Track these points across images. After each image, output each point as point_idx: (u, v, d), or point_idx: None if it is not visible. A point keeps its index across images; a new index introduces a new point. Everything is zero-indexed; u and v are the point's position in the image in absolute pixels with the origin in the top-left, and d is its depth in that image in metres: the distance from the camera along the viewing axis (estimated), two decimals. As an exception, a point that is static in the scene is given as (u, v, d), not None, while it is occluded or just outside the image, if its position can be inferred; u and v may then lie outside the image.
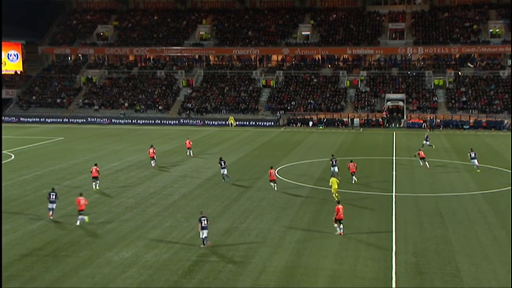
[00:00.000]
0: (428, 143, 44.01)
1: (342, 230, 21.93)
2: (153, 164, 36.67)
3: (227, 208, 26.30)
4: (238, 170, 35.84)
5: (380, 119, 63.87)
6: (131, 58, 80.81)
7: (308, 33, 77.43)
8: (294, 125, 64.51)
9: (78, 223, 23.55)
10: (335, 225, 22.11)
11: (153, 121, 65.82)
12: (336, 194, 27.26)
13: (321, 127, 62.75)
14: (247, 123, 64.37)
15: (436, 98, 66.60)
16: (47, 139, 50.86)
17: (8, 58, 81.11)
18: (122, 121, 66.37)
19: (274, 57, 78.00)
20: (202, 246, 20.58)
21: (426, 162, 36.35)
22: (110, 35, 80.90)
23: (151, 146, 38.13)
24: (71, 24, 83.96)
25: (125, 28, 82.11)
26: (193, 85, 73.63)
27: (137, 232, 22.56)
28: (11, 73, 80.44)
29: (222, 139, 52.26)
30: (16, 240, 21.40)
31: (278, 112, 66.43)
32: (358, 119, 64.40)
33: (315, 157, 41.09)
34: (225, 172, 32.06)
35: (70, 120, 67.34)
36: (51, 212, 24.43)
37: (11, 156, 41.24)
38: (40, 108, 71.21)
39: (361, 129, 60.25)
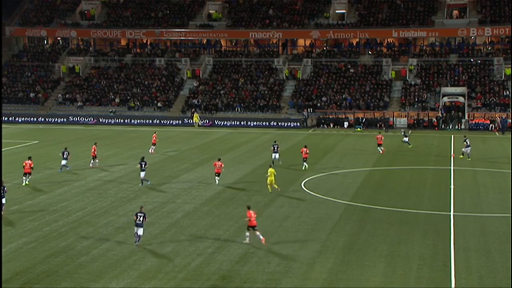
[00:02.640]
0: (407, 139, 49.92)
1: (261, 237, 24.03)
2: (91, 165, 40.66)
3: (242, 229, 26.33)
4: (256, 182, 35.94)
5: (434, 119, 63.54)
6: (123, 42, 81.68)
7: (344, 11, 77.46)
8: (325, 126, 64.54)
9: None
10: (247, 232, 24.34)
11: (150, 121, 66.38)
12: (273, 186, 32.72)
13: (359, 129, 62.67)
14: (267, 123, 64.58)
15: (507, 92, 65.99)
16: (17, 143, 51.58)
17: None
18: (112, 121, 67.03)
19: (300, 42, 78.19)
20: (135, 243, 23.92)
21: (381, 148, 45.78)
22: (96, 14, 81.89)
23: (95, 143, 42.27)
24: None
25: (115, 5, 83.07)
26: (200, 76, 74.16)
27: (130, 258, 22.77)
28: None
29: (236, 143, 52.48)
30: (-22, 269, 21.64)
31: (305, 110, 66.53)
32: (405, 119, 64.18)
33: (351, 166, 41.02)
34: (143, 175, 34.83)
35: (46, 119, 68.20)
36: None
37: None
38: (9, 105, 72.20)
39: (410, 131, 59.96)
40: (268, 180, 33.19)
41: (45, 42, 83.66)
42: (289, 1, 79.49)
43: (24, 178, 35.12)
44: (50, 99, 73.06)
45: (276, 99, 69.26)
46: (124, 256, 23.02)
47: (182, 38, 79.18)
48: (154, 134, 47.70)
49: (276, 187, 33.06)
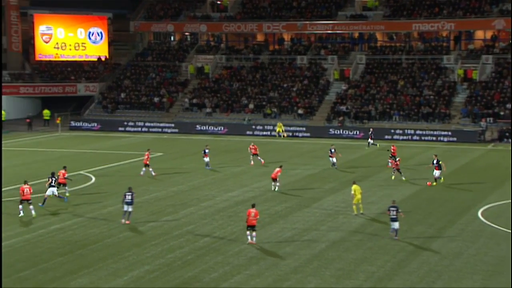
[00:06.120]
0: (372, 141, 57.52)
1: (254, 239, 28.31)
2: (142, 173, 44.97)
3: (400, 266, 26.08)
4: (418, 207, 35.36)
5: None
6: (259, 38, 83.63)
7: (541, -8, 73.98)
8: (510, 140, 61.91)
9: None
10: (247, 232, 28.44)
11: (290, 132, 67.02)
12: (360, 206, 33.88)
13: (556, 145, 59.37)
14: (433, 137, 63.09)
15: None
16: (139, 155, 54.10)
17: (89, 38, 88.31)
18: (246, 131, 68.48)
19: (478, 34, 75.93)
20: (394, 238, 29.26)
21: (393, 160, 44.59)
22: (230, 5, 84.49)
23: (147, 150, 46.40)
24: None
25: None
26: (350, 78, 74.15)
27: (265, 295, 23.25)
28: (92, 60, 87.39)
29: (394, 160, 51.80)
30: (96, 298, 23.13)
31: (483, 120, 64.36)
32: None
33: (545, 193, 39.02)
34: (129, 209, 32.67)
35: (171, 127, 70.93)
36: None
37: (91, 178, 44.77)
38: (132, 111, 76.19)
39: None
40: (354, 200, 33.94)
41: (172, 39, 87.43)
42: (465, -17, 77.47)
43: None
44: (176, 104, 76.08)
45: (445, 106, 67.56)
46: (258, 292, 23.53)
47: (329, 31, 79.59)
48: (252, 145, 50.24)
49: (360, 207, 34.09)
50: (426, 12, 76.00)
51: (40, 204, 35.48)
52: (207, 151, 47.44)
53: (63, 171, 38.78)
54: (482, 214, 34.12)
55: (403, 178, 42.98)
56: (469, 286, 23.91)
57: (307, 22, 78.92)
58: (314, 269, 25.78)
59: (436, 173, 41.96)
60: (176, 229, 31.76)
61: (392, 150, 48.05)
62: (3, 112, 72.91)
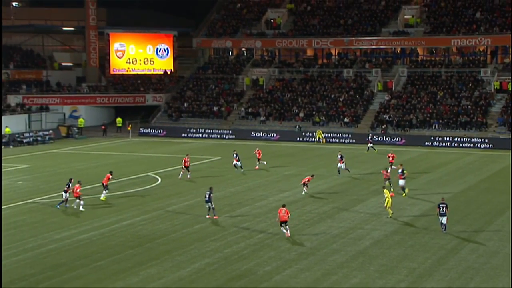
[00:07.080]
0: (371, 145, 57.03)
1: (288, 231, 29.26)
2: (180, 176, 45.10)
3: (440, 263, 25.75)
4: (457, 209, 34.76)
5: None
6: (309, 52, 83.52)
7: None
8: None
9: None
10: (282, 228, 29.34)
11: (337, 139, 66.69)
12: (389, 210, 32.92)
13: None
14: (470, 144, 62.00)
15: None
16: (201, 159, 54.73)
17: (157, 53, 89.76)
18: (297, 137, 68.44)
19: (513, 49, 74.23)
20: (443, 231, 29.76)
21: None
22: (282, 22, 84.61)
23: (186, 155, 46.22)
24: (234, 9, 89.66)
25: (302, 13, 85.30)
26: (393, 89, 73.39)
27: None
28: (159, 73, 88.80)
29: (433, 164, 51.16)
30: (161, 289, 23.38)
31: (518, 129, 62.98)
32: None
33: None
34: (208, 206, 33.45)
35: (229, 134, 71.41)
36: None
37: (158, 179, 45.37)
38: (193, 118, 76.93)
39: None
40: (386, 202, 32.99)
41: (230, 53, 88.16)
42: (502, 1, 75.83)
43: (76, 201, 35.45)
44: (233, 113, 76.57)
45: (482, 115, 66.29)
46: (307, 284, 23.50)
47: (374, 46, 78.91)
48: (258, 150, 50.01)
49: (389, 211, 33.23)
50: (464, 28, 74.73)
51: (57, 205, 35.84)
52: (234, 155, 47.97)
53: (108, 175, 38.31)
54: (516, 217, 33.47)
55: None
56: (505, 283, 23.45)
57: (353, 38, 78.43)
58: (359, 265, 25.68)
59: (401, 182, 38.73)
60: (233, 226, 31.95)
61: (390, 158, 46.35)
62: (82, 120, 74.63)
